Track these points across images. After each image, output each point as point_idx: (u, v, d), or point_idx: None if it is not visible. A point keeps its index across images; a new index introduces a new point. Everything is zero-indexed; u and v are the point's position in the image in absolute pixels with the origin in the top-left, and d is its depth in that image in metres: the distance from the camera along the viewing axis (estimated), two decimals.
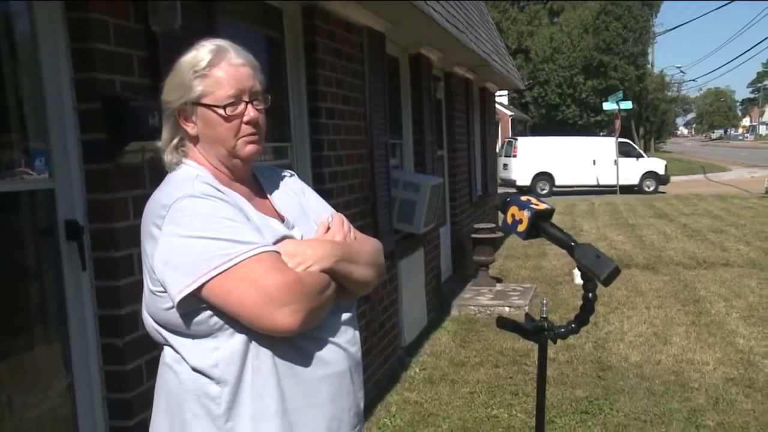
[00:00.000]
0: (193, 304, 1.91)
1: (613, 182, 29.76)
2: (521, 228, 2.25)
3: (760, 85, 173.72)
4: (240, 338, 1.94)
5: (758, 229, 16.79)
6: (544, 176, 30.22)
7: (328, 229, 2.17)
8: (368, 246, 2.22)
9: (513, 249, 14.58)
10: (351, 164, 6.39)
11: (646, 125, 69.53)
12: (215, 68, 2.04)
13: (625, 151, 30.64)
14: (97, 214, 3.26)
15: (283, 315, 1.86)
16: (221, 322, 1.93)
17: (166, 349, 2.04)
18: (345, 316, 2.14)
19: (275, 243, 1.99)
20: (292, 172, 2.40)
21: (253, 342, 1.95)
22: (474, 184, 13.15)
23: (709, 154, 71.62)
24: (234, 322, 1.92)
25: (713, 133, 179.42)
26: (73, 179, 3.22)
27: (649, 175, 30.52)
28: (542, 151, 29.94)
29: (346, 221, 2.23)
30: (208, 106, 2.04)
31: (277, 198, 2.22)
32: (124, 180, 3.30)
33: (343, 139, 6.23)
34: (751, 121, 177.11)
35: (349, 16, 6.34)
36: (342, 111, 6.24)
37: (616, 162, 29.67)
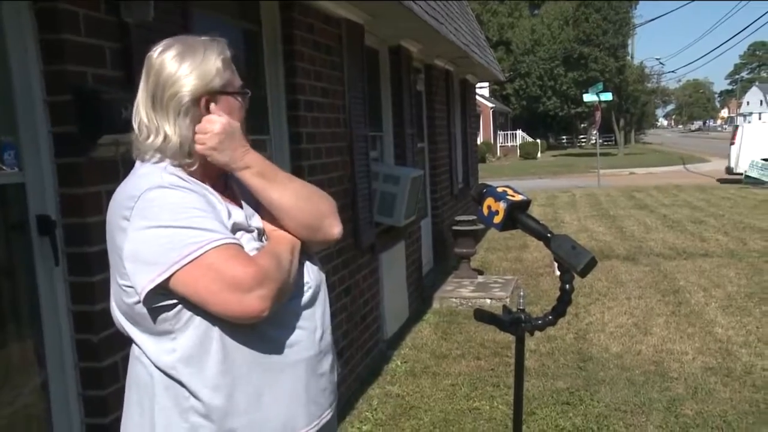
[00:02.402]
0: (158, 298, 1.91)
1: None
2: (497, 219, 2.22)
3: (737, 76, 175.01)
4: (202, 333, 1.94)
5: (736, 219, 16.87)
6: None
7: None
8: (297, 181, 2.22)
9: (494, 241, 14.57)
10: (330, 157, 6.34)
11: (626, 117, 69.81)
12: (229, 59, 2.12)
13: None
14: (70, 209, 3.20)
15: (251, 299, 1.87)
16: (183, 319, 1.94)
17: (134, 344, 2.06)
18: (307, 296, 2.14)
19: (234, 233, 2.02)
20: None
21: (217, 335, 1.95)
22: (455, 177, 13.13)
23: (689, 145, 72.00)
24: (197, 315, 1.93)
25: (692, 124, 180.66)
26: (45, 173, 3.16)
27: None
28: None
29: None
30: (233, 94, 2.11)
31: (237, 186, 2.23)
32: (97, 174, 3.24)
33: (322, 131, 6.18)
34: (729, 113, 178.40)
35: (327, 8, 6.28)
36: (321, 103, 6.19)
37: None
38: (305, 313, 2.13)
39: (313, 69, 6.03)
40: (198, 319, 1.94)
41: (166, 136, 2.02)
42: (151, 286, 1.88)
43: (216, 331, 1.95)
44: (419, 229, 10.00)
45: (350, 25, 6.84)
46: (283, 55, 5.65)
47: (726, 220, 16.85)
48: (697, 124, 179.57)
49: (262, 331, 1.99)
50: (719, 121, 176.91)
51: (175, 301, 1.92)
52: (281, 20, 5.63)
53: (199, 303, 1.90)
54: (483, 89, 49.69)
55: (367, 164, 7.28)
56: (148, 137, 2.03)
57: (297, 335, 2.08)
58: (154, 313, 1.94)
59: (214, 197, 2.06)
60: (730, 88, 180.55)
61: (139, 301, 1.93)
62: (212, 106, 2.06)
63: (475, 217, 10.64)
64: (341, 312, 6.39)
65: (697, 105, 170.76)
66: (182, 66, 2.02)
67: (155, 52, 2.06)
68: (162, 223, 1.88)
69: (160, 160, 2.03)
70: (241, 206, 2.15)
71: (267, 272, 1.92)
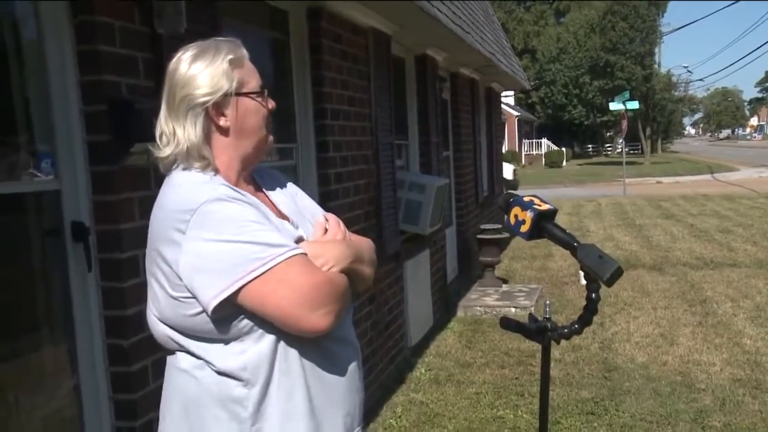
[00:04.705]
0: (226, 308, 1.91)
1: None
2: (524, 228, 2.25)
3: None
4: (268, 340, 1.96)
5: (766, 229, 16.71)
6: None
7: (326, 230, 2.19)
8: (366, 245, 2.26)
9: (519, 250, 14.58)
10: (356, 165, 6.41)
11: (653, 125, 69.37)
12: (245, 59, 2.11)
13: None
14: (103, 216, 3.28)
15: (318, 317, 1.90)
16: (251, 324, 1.94)
17: (182, 355, 2.03)
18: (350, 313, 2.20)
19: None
20: (279, 172, 2.41)
21: (282, 343, 1.97)
22: (480, 185, 13.17)
23: (717, 154, 71.44)
24: (264, 323, 1.94)
25: (721, 132, 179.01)
26: (79, 181, 3.24)
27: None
28: None
29: (340, 221, 2.26)
30: (248, 95, 2.08)
31: (275, 198, 2.24)
32: (130, 181, 3.32)
33: (348, 140, 6.25)
34: (759, 121, 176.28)
35: (354, 17, 6.36)
36: (347, 112, 6.26)
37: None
38: (351, 328, 2.20)
39: (339, 78, 6.10)
40: (261, 331, 1.96)
41: (178, 142, 2.04)
42: (216, 302, 1.88)
43: (281, 338, 1.97)
44: (444, 238, 10.04)
45: (377, 34, 6.90)
46: (310, 64, 5.73)
47: (755, 229, 16.72)
48: (726, 132, 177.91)
49: (321, 343, 2.02)
50: (748, 130, 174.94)
51: (241, 314, 1.93)
52: (309, 30, 5.70)
53: (266, 317, 1.92)
54: (508, 97, 49.62)
55: (392, 172, 7.34)
56: (167, 144, 2.05)
57: (347, 351, 2.14)
58: (221, 322, 1.93)
59: (266, 210, 2.07)
60: (760, 95, 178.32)
61: (201, 312, 1.92)
62: None
63: (500, 226, 10.68)
64: (366, 320, 6.44)
65: (726, 113, 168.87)
66: (192, 68, 2.03)
67: (175, 55, 2.09)
68: (224, 237, 1.89)
69: (186, 168, 2.04)
70: (285, 218, 2.15)
71: (333, 287, 1.97)
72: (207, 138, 2.06)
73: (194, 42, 2.12)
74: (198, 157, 2.04)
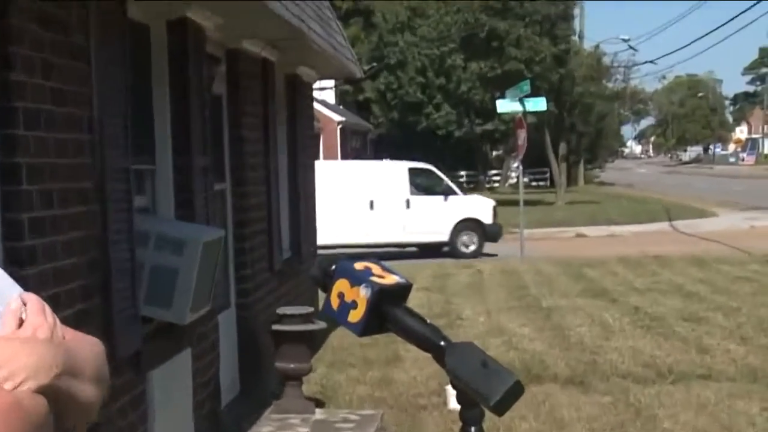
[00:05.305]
0: None
1: (406, 239, 30.04)
2: (355, 317, 2.23)
3: (764, 70, 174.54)
4: None
5: (762, 315, 17.14)
6: None
7: (21, 321, 2.13)
8: (89, 349, 2.24)
9: (344, 350, 14.78)
10: (67, 207, 6.46)
11: (571, 139, 71.02)
12: None
13: (423, 186, 31.22)
14: None
15: None
16: None
17: None
18: None
19: None
20: None
21: None
22: (277, 241, 13.41)
23: (679, 188, 73.31)
24: None
25: (685, 151, 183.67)
26: None
27: (467, 225, 30.95)
28: None
29: (47, 307, 2.21)
30: None
31: None
32: None
33: (53, 163, 6.30)
34: (750, 132, 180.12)
35: None
36: (52, 115, 6.31)
37: (408, 203, 30.25)
38: None
39: (39, 57, 6.16)
40: None
41: None
42: None
43: None
44: (216, 329, 10.20)
45: None
46: None
47: (744, 316, 17.25)
48: (694, 151, 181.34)
49: None
50: (732, 146, 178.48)
51: None
52: None
53: None
54: (325, 91, 50.19)
55: (129, 219, 7.47)
56: None
57: None
58: None
59: None
60: (751, 89, 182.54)
61: None
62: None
63: (311, 310, 10.87)
64: None
65: (694, 118, 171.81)
66: None
67: None
68: None
69: None
70: None
71: (24, 415, 1.90)
72: None
73: None
74: None
